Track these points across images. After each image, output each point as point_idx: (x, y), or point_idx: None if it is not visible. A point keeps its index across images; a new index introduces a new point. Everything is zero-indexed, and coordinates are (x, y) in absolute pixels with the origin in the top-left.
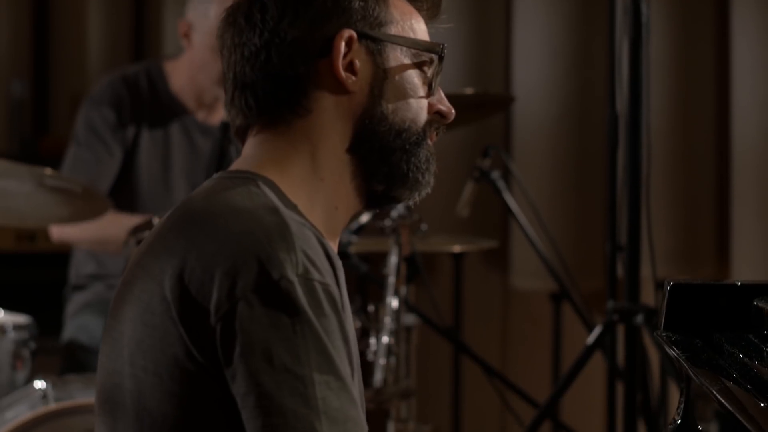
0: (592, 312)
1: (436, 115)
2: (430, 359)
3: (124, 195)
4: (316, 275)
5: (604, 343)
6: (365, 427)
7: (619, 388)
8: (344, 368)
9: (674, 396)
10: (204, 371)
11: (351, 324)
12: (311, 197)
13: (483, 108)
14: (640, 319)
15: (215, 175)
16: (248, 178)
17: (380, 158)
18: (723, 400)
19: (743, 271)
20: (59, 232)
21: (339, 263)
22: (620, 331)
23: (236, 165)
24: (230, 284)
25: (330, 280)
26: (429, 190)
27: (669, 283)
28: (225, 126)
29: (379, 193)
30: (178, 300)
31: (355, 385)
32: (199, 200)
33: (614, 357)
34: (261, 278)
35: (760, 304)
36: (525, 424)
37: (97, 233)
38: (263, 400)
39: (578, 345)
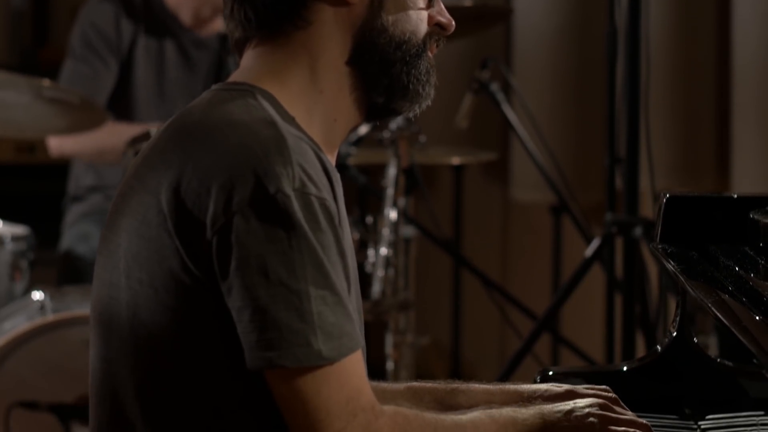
0: (592, 225)
1: (435, 27)
2: (429, 272)
3: (120, 107)
4: (312, 189)
5: (603, 256)
6: (361, 343)
7: (618, 301)
8: (340, 283)
9: (673, 308)
10: (199, 284)
11: (348, 238)
12: (310, 110)
13: (482, 20)
14: (638, 231)
15: (213, 87)
16: (246, 90)
17: (380, 70)
18: (718, 313)
19: (743, 184)
20: (57, 145)
21: (337, 176)
22: (619, 243)
23: (234, 77)
24: (226, 198)
25: (327, 194)
26: (429, 102)
27: (665, 195)
28: (223, 38)
29: (379, 105)
30: (174, 213)
31: (352, 300)
32: (196, 113)
33: (613, 269)
34: (257, 192)
35: (756, 217)
36: (524, 336)
37: (96, 144)
38: (258, 314)
39: (578, 258)
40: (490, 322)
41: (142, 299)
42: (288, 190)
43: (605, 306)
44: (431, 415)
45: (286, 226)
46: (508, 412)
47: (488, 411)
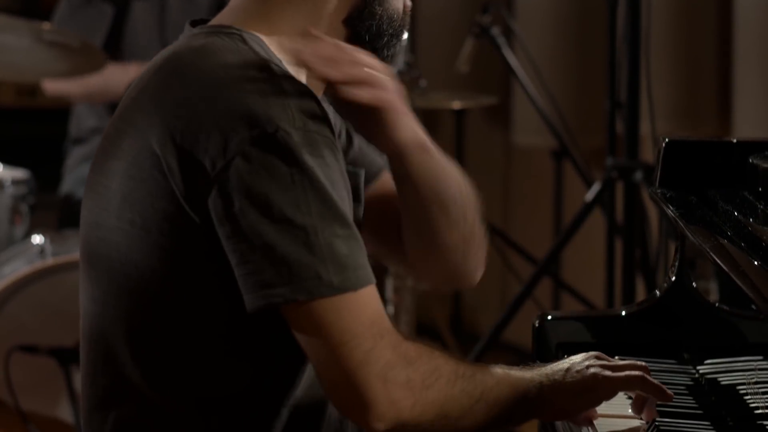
0: (592, 169)
1: (406, 7)
2: None
3: (121, 52)
4: (313, 126)
5: (603, 200)
6: (374, 278)
7: (618, 245)
8: (349, 216)
9: (673, 253)
10: (194, 226)
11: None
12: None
13: None
14: (639, 176)
15: (198, 30)
16: (233, 34)
17: (369, 39)
18: (716, 258)
19: (744, 128)
20: (50, 86)
21: (332, 120)
22: (619, 188)
23: (221, 18)
24: (226, 139)
25: (329, 132)
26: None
27: (664, 139)
28: None
29: None
30: (170, 155)
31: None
32: (187, 55)
33: (613, 214)
34: (257, 132)
35: (755, 161)
36: (525, 281)
37: (86, 88)
38: (265, 252)
39: (578, 202)
40: (490, 266)
41: (133, 241)
42: (288, 128)
43: (606, 250)
44: (450, 355)
45: (288, 162)
46: (517, 370)
47: (501, 367)
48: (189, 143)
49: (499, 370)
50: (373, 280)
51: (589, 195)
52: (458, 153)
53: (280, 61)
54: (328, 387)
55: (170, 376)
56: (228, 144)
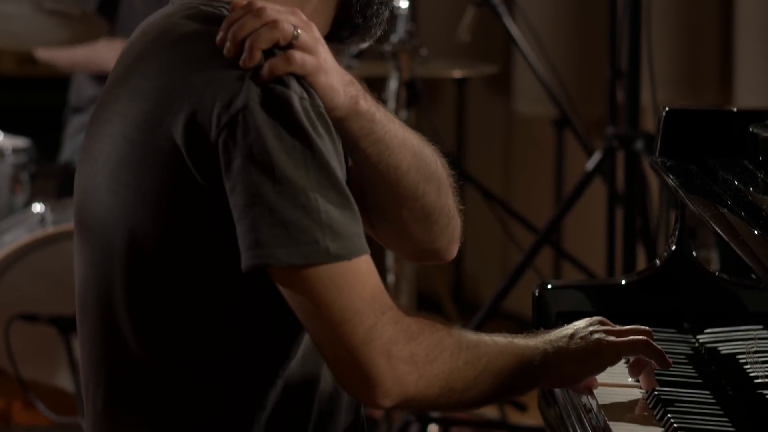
0: (593, 138)
1: None
2: None
3: (121, 25)
4: (309, 96)
5: (604, 169)
6: (368, 248)
7: (619, 214)
8: (345, 186)
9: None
10: (194, 187)
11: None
12: None
13: None
14: (639, 145)
15: (185, 2)
16: (223, 7)
17: (360, 9)
18: (716, 227)
19: (746, 97)
20: (42, 54)
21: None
22: (620, 157)
23: None
24: (230, 99)
25: (322, 105)
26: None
27: (665, 108)
28: None
29: (336, 35)
30: (173, 114)
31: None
32: (186, 22)
33: (614, 183)
34: (262, 93)
35: (755, 131)
36: (525, 250)
37: (84, 57)
38: (264, 212)
39: (579, 171)
40: (491, 235)
41: (128, 204)
42: (291, 93)
43: (606, 219)
44: (453, 327)
45: (290, 125)
46: (520, 338)
47: (504, 335)
48: (194, 102)
49: (503, 339)
50: (368, 250)
51: (590, 164)
52: (459, 122)
53: None
54: (331, 364)
55: (167, 340)
56: (233, 101)
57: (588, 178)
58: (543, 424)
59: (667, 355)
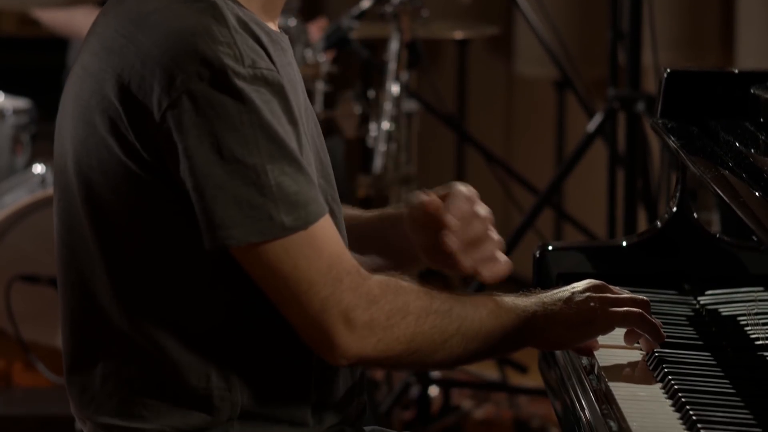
0: (595, 99)
1: None
2: (432, 147)
3: None
4: (261, 64)
5: (605, 131)
6: (326, 208)
7: (620, 176)
8: (297, 151)
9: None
10: (150, 169)
11: (307, 105)
12: None
13: None
14: (640, 106)
15: None
16: None
17: None
18: (717, 188)
19: (747, 59)
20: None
21: (285, 43)
22: (621, 118)
23: None
24: (171, 78)
25: (271, 65)
26: None
27: (666, 70)
28: None
29: None
30: (119, 98)
31: (312, 162)
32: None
33: (615, 144)
34: (202, 70)
35: (757, 92)
36: (526, 211)
37: (62, 23)
38: (215, 192)
39: (580, 133)
40: (492, 197)
41: (93, 185)
42: (233, 65)
43: (607, 181)
44: (429, 287)
45: (234, 101)
46: (509, 298)
47: (491, 295)
48: (136, 84)
49: (486, 300)
50: (325, 210)
51: (591, 125)
52: (460, 83)
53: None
54: (296, 329)
55: (149, 316)
56: (174, 82)
57: (589, 139)
58: (543, 386)
59: (668, 317)
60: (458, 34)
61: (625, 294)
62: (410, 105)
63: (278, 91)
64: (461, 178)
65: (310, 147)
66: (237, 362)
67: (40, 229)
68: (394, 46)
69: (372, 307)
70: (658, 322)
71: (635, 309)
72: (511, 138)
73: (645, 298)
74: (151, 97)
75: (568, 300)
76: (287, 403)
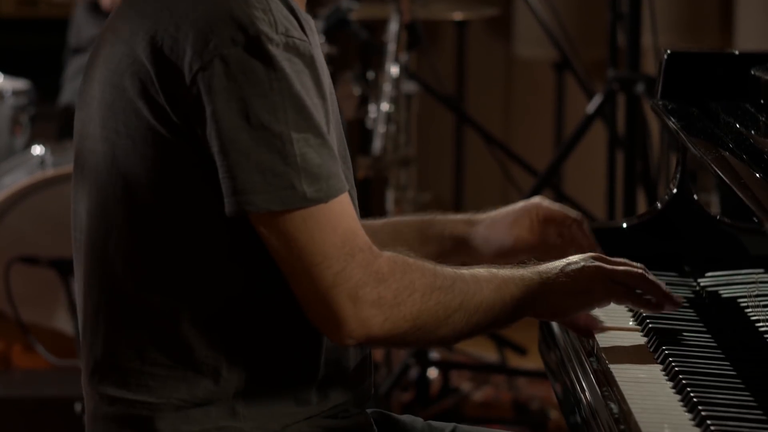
0: (594, 81)
1: None
2: (431, 128)
3: None
4: (295, 34)
5: (605, 112)
6: (346, 185)
7: (620, 157)
8: (323, 125)
9: (674, 165)
10: (178, 132)
11: (330, 85)
12: None
13: None
14: (640, 87)
15: None
16: None
17: None
18: (717, 170)
19: (747, 40)
20: None
21: (311, 24)
22: (621, 100)
23: None
24: (204, 41)
25: (308, 43)
26: None
27: (666, 51)
28: None
29: None
30: (151, 60)
31: (335, 142)
32: None
33: (614, 126)
34: (236, 35)
35: (757, 73)
36: (526, 193)
37: None
38: (240, 158)
39: (580, 114)
40: (492, 178)
41: (120, 150)
42: (269, 32)
43: (607, 163)
44: (432, 263)
45: (265, 68)
46: (507, 270)
47: (489, 268)
48: (168, 47)
49: (485, 273)
50: (346, 187)
51: (591, 107)
52: (459, 64)
53: None
54: (302, 303)
55: (165, 285)
56: (207, 45)
57: (588, 121)
58: (543, 368)
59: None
60: (458, 15)
61: (622, 262)
62: (409, 86)
63: (309, 63)
64: (460, 159)
65: (334, 128)
66: (249, 337)
67: (39, 211)
68: (393, 27)
69: (380, 285)
70: (661, 282)
71: (636, 270)
72: (511, 119)
73: (641, 266)
74: (183, 60)
75: (564, 268)
76: (294, 381)
